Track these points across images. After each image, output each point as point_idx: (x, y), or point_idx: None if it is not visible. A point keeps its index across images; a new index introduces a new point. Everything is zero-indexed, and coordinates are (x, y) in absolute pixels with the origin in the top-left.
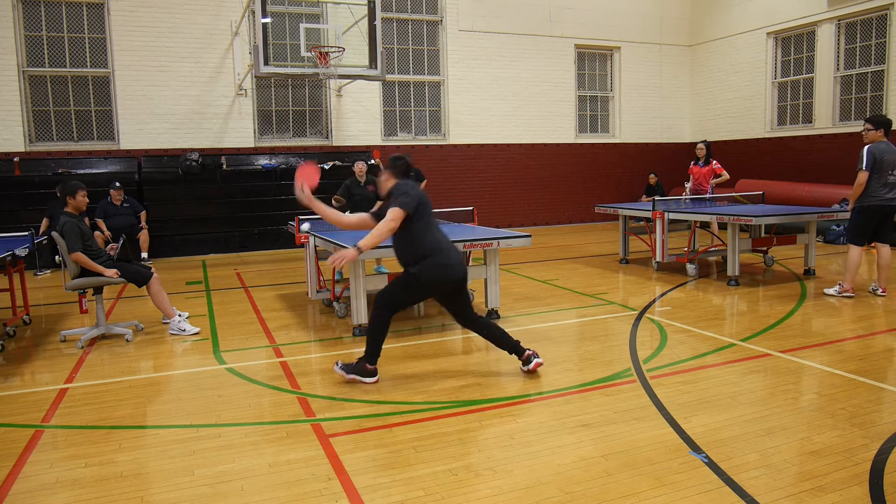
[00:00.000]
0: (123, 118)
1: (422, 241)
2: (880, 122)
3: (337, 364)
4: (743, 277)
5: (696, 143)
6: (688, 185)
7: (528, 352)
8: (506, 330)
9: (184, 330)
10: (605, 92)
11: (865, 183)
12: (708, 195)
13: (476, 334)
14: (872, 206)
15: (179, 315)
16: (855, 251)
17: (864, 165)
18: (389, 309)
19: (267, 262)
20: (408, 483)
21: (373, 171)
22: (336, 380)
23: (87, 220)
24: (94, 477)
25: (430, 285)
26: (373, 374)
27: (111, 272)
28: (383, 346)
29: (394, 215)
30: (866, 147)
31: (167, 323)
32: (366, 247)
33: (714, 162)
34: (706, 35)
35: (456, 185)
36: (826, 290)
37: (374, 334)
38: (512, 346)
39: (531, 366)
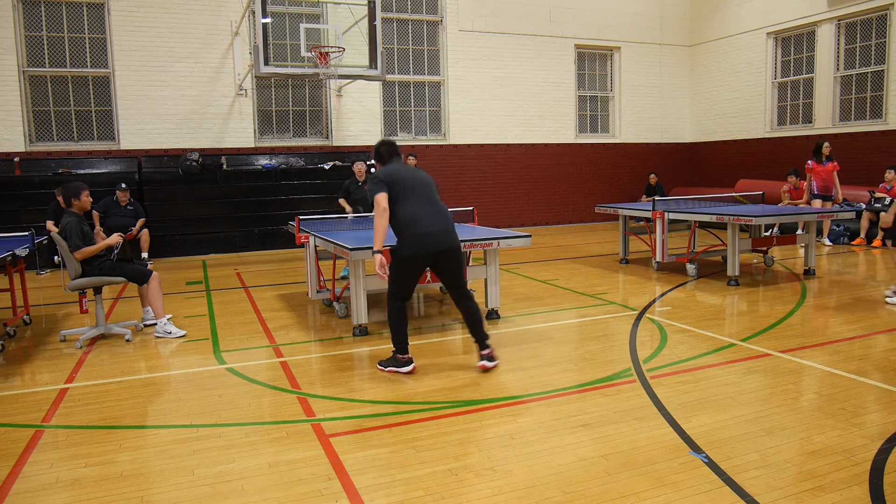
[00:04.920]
0: (123, 118)
1: (399, 218)
2: None
3: (378, 364)
4: (743, 277)
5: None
6: (806, 184)
7: (489, 350)
8: (507, 330)
9: (170, 332)
10: (605, 92)
11: None
12: (834, 193)
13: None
14: None
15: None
16: None
17: None
18: (393, 296)
19: (267, 262)
20: (408, 483)
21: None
22: (336, 380)
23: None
24: (94, 477)
25: (410, 258)
26: (406, 363)
27: (114, 237)
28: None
29: (375, 206)
30: None
31: (150, 325)
32: (378, 245)
33: (834, 160)
34: (706, 35)
35: (456, 185)
36: (887, 300)
37: (391, 324)
38: (480, 337)
39: (483, 363)
